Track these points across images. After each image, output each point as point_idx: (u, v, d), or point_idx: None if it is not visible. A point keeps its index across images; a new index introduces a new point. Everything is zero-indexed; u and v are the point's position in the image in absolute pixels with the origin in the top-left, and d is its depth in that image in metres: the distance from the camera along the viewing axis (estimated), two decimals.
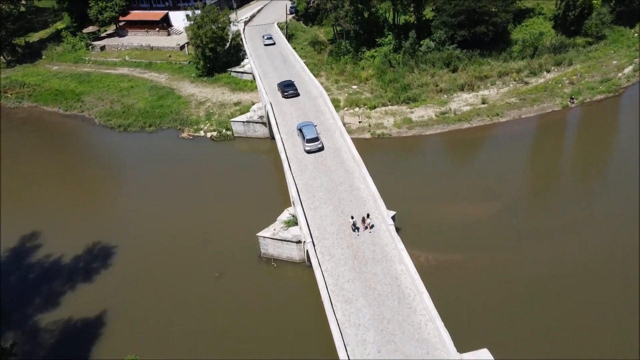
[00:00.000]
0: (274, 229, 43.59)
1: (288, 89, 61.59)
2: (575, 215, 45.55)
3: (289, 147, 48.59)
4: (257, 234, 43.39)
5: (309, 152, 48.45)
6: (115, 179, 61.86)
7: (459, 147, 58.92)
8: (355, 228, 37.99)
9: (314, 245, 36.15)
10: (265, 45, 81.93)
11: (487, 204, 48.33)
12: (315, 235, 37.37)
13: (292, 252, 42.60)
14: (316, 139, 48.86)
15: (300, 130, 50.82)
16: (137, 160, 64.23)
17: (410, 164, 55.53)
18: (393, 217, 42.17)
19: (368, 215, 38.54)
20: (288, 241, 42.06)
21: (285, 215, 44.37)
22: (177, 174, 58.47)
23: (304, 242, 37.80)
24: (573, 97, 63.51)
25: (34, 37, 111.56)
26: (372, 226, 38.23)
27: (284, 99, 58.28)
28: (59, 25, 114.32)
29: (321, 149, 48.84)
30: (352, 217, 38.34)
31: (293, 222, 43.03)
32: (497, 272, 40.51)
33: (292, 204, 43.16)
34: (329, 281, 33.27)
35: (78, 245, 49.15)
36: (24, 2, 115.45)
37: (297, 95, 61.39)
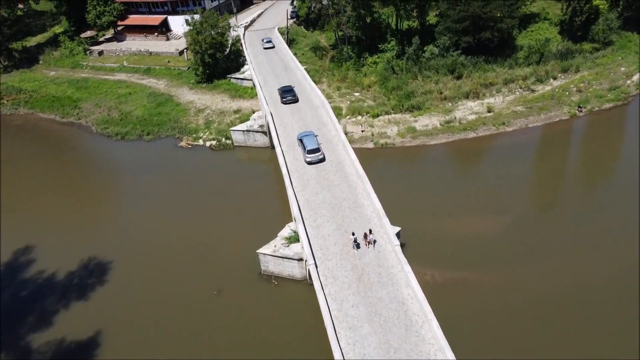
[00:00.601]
0: (275, 246, 42.12)
1: (287, 94, 61.23)
2: (586, 230, 44.13)
3: (290, 159, 47.09)
4: (257, 251, 41.91)
5: (310, 163, 47.17)
6: (111, 190, 60.32)
7: (465, 158, 57.44)
8: (356, 245, 36.65)
9: (317, 267, 34.62)
10: (265, 48, 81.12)
11: (495, 218, 46.87)
12: (318, 255, 35.86)
13: (293, 270, 41.14)
14: (317, 150, 47.63)
15: (300, 140, 49.59)
16: (134, 170, 62.68)
17: (415, 175, 53.99)
18: (398, 234, 40.82)
19: (370, 232, 37.15)
20: (289, 259, 40.60)
21: (286, 231, 42.88)
22: (175, 185, 56.99)
23: (306, 261, 36.31)
24: (581, 105, 62.00)
25: (32, 41, 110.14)
26: (374, 242, 36.85)
27: (284, 106, 56.66)
28: (57, 29, 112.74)
29: (322, 160, 47.57)
30: (353, 234, 36.99)
31: (294, 238, 41.54)
32: (506, 291, 39.04)
33: (293, 220, 41.65)
34: (333, 306, 31.75)
35: (73, 260, 47.71)
36: (21, 5, 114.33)
37: (296, 101, 60.86)
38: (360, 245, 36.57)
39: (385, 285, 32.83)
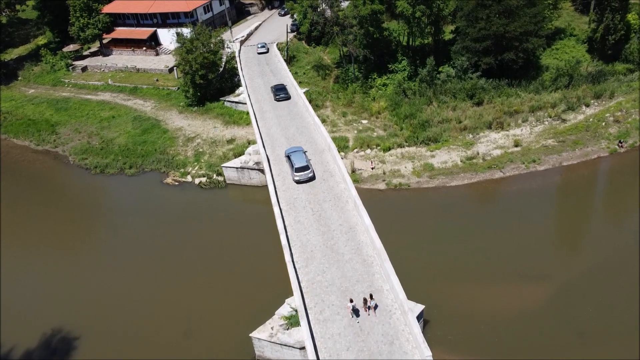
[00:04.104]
0: (272, 328, 34.60)
1: (280, 92, 63.61)
2: None
3: (290, 221, 39.21)
4: (250, 335, 34.41)
5: (298, 182, 44.36)
6: (82, 240, 51.70)
7: (492, 204, 49.90)
8: (355, 312, 30.90)
9: None
10: (259, 53, 79.45)
11: (534, 287, 39.37)
12: None
13: (294, 358, 33.60)
14: (306, 168, 44.84)
15: (288, 157, 46.60)
16: (111, 213, 55.08)
17: (436, 226, 46.20)
18: (421, 313, 33.49)
19: (372, 296, 31.05)
20: (289, 346, 33.08)
21: (285, 309, 35.25)
22: (157, 235, 49.38)
23: None
24: (622, 140, 54.41)
25: (13, 53, 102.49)
26: (375, 307, 30.89)
27: (284, 150, 48.58)
28: (40, 40, 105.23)
29: (312, 178, 44.66)
30: (351, 301, 30.92)
31: (295, 319, 33.94)
32: None
33: (293, 293, 33.96)
34: None
35: (33, 334, 40.19)
36: (6, 11, 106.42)
37: (288, 98, 62.85)
38: (360, 313, 31.17)
39: None
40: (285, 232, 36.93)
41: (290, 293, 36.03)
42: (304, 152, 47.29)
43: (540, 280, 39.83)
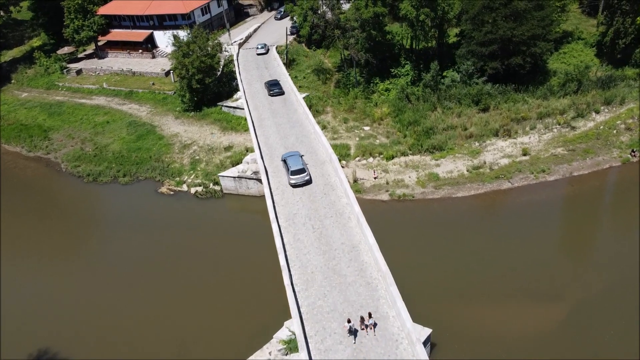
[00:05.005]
0: (270, 353, 32.68)
1: (274, 87, 64.46)
2: None
3: (289, 239, 37.00)
4: None
5: (294, 186, 43.74)
6: (71, 253, 49.50)
7: (501, 216, 47.73)
8: (352, 332, 29.27)
9: None
10: (258, 54, 78.33)
11: (548, 307, 37.33)
12: None
13: None
14: (302, 170, 44.27)
15: (284, 161, 46.23)
16: (102, 225, 52.94)
17: (441, 241, 44.01)
18: (428, 337, 31.47)
19: (370, 315, 29.37)
20: None
21: (284, 332, 33.25)
22: (150, 248, 47.27)
23: None
24: (635, 149, 52.29)
25: (7, 55, 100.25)
26: (375, 325, 29.52)
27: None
28: (35, 42, 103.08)
29: (309, 182, 44.06)
30: (349, 321, 29.25)
31: (294, 344, 31.85)
32: None
33: (293, 321, 31.87)
34: None
35: (20, 355, 38.07)
36: (2, 13, 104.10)
37: (282, 93, 63.92)
38: (358, 332, 29.53)
39: None
40: (284, 251, 34.73)
41: (289, 315, 33.91)
42: (301, 157, 46.45)
43: (553, 299, 37.79)
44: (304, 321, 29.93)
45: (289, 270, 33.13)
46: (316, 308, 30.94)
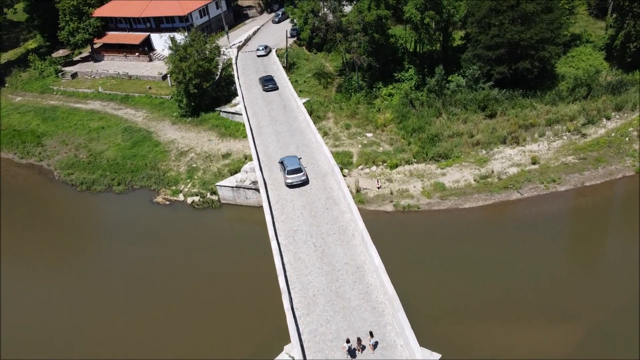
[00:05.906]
0: None
1: (268, 83, 64.94)
2: None
3: (289, 258, 34.86)
4: None
5: (290, 185, 43.51)
6: (62, 265, 47.56)
7: (510, 229, 45.58)
8: (351, 354, 27.75)
9: None
10: (258, 56, 76.45)
11: (561, 328, 35.40)
12: None
13: None
14: (299, 170, 44.06)
15: (281, 162, 46.02)
16: (94, 236, 50.99)
17: (449, 256, 42.02)
18: None
19: (371, 334, 27.93)
20: None
21: (283, 357, 31.19)
22: (144, 263, 45.31)
23: None
24: None
25: (2, 58, 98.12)
26: (375, 345, 28.05)
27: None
28: (31, 44, 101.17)
29: (305, 182, 43.78)
30: (348, 341, 27.54)
31: None
32: None
33: (293, 349, 29.86)
34: None
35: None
36: None
37: (276, 89, 64.34)
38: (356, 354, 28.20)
39: None
40: (284, 272, 32.63)
41: (289, 339, 31.94)
42: (299, 159, 46.37)
43: (569, 320, 35.91)
44: (305, 349, 27.92)
45: (289, 293, 31.06)
46: (318, 335, 28.89)
